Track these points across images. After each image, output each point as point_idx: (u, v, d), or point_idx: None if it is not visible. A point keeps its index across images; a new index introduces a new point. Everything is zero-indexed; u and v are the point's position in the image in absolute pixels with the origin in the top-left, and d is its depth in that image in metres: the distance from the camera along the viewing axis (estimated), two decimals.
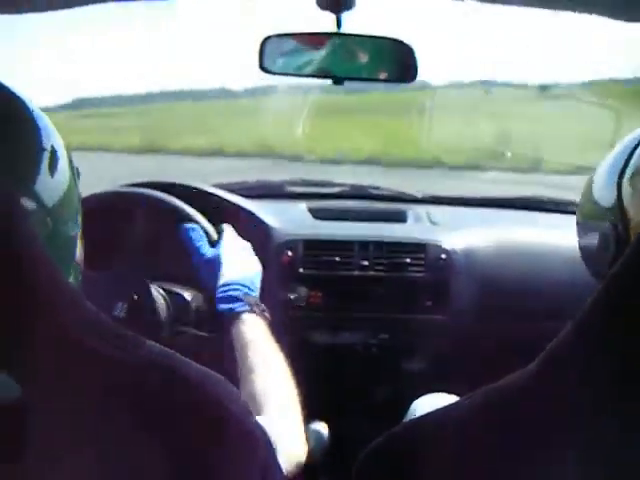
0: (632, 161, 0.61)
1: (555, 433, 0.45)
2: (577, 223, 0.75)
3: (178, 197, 1.42)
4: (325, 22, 1.10)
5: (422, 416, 0.54)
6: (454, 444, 0.49)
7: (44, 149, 0.63)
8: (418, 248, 1.68)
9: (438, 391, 1.31)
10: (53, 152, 0.64)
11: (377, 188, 2.07)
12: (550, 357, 0.48)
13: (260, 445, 0.60)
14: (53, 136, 0.65)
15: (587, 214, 0.70)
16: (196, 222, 1.36)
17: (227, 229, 1.32)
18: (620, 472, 0.43)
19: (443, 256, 1.67)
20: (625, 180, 0.61)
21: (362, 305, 1.67)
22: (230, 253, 1.24)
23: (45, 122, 0.65)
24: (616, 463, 0.44)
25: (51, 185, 0.62)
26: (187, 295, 1.34)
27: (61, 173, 0.64)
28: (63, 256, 0.66)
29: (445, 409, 0.53)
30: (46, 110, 0.67)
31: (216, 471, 0.55)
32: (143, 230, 1.50)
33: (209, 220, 1.39)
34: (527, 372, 0.49)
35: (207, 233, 1.34)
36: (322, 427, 1.58)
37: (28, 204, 0.58)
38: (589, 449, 0.44)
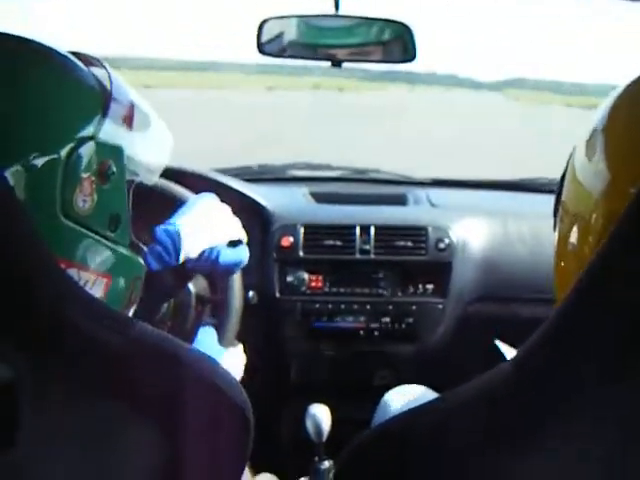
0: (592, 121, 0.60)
1: (536, 428, 0.45)
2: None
3: (177, 182, 1.41)
4: (323, 3, 1.09)
5: (405, 412, 0.54)
6: (433, 446, 0.49)
7: (82, 105, 0.60)
8: (419, 231, 1.68)
9: (439, 375, 1.31)
10: (95, 109, 0.61)
11: (378, 171, 2.06)
12: (529, 349, 0.47)
13: (249, 428, 0.60)
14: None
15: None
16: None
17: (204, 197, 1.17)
18: (608, 469, 0.43)
19: (444, 239, 1.66)
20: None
21: (363, 289, 1.67)
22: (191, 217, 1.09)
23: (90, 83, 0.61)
24: (604, 459, 0.43)
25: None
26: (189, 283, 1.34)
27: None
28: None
29: (420, 409, 0.52)
30: None
31: (208, 450, 0.55)
32: (139, 215, 1.49)
33: None
34: (506, 366, 0.49)
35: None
36: (323, 410, 1.58)
37: (54, 160, 0.56)
38: (573, 442, 0.44)
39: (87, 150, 0.59)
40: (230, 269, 1.14)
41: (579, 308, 0.45)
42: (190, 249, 1.07)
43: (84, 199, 0.60)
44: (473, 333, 1.67)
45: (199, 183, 1.51)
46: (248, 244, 1.62)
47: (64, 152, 0.57)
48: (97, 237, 0.63)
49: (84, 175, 0.60)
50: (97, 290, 0.64)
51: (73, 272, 0.60)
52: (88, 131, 0.60)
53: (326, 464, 1.46)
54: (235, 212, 1.34)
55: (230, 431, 0.57)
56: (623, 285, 0.43)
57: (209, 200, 1.17)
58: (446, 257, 1.66)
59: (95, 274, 0.63)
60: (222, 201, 1.26)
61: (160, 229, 1.05)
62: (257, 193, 1.73)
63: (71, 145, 0.58)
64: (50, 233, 0.57)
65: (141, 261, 0.72)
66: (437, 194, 1.88)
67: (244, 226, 1.26)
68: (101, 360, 0.51)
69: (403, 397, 1.26)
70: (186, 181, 1.41)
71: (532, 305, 1.64)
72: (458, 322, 1.68)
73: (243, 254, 1.15)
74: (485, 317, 1.68)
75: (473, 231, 1.71)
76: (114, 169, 0.63)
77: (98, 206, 0.62)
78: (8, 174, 0.54)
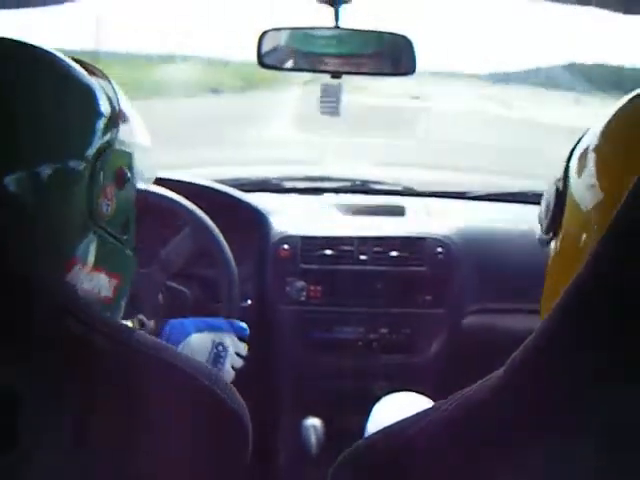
0: (585, 137, 0.61)
1: (527, 437, 0.45)
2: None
3: (178, 192, 1.41)
4: (323, 16, 1.09)
5: (400, 421, 0.54)
6: (433, 451, 0.49)
7: (101, 115, 0.61)
8: (417, 242, 1.68)
9: (436, 386, 1.31)
10: (111, 118, 0.62)
11: (377, 182, 2.07)
12: (521, 357, 0.47)
13: (247, 437, 0.60)
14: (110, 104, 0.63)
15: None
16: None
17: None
18: (598, 472, 0.43)
19: (442, 250, 1.67)
20: (575, 152, 0.62)
21: (362, 300, 1.67)
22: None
23: (99, 91, 0.62)
24: (597, 468, 0.43)
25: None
26: (186, 290, 1.35)
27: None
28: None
29: (411, 419, 0.53)
30: None
31: (206, 456, 0.55)
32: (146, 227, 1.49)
33: (209, 214, 1.39)
34: (496, 376, 0.49)
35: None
36: (319, 422, 1.59)
37: (80, 166, 0.57)
38: (564, 446, 0.44)
39: (108, 156, 0.62)
40: None
41: (569, 316, 0.45)
42: None
43: (107, 204, 0.62)
44: (470, 344, 1.67)
45: (201, 193, 1.52)
46: (247, 254, 1.63)
47: (90, 158, 0.59)
48: (114, 241, 0.65)
49: (107, 181, 0.62)
50: (108, 291, 0.66)
51: (94, 274, 0.62)
52: (106, 139, 0.62)
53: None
54: (234, 222, 1.35)
55: (228, 438, 0.58)
56: (611, 294, 0.43)
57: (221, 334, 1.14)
58: (444, 268, 1.67)
59: (109, 275, 0.65)
60: (221, 212, 1.27)
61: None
62: (256, 204, 1.73)
63: (95, 152, 0.60)
64: (76, 237, 0.60)
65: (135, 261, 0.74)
66: (436, 205, 1.89)
67: (244, 236, 1.26)
68: (100, 368, 0.52)
69: (395, 405, 1.26)
70: (188, 191, 1.42)
71: (529, 316, 1.64)
72: (456, 333, 1.68)
73: None
74: (482, 328, 1.69)
75: (471, 243, 1.72)
76: (129, 175, 0.66)
77: (116, 211, 0.64)
78: (25, 178, 0.54)
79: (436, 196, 2.01)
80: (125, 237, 0.67)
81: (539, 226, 0.71)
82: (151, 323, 1.10)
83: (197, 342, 1.06)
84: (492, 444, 0.46)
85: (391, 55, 1.16)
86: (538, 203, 2.15)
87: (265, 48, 1.16)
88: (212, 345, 1.07)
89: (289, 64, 1.19)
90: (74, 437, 0.49)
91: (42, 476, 0.49)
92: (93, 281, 0.63)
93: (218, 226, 1.38)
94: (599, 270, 0.44)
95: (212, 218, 1.39)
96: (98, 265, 0.63)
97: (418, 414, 0.53)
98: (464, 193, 2.05)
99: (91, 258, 0.62)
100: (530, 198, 2.02)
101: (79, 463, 0.49)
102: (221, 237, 1.37)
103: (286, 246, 1.66)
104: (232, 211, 1.65)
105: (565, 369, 0.44)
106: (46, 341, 0.50)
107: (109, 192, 0.62)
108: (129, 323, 1.08)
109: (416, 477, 0.49)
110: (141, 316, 1.11)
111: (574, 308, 0.45)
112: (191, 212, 1.37)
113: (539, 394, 0.45)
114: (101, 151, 0.60)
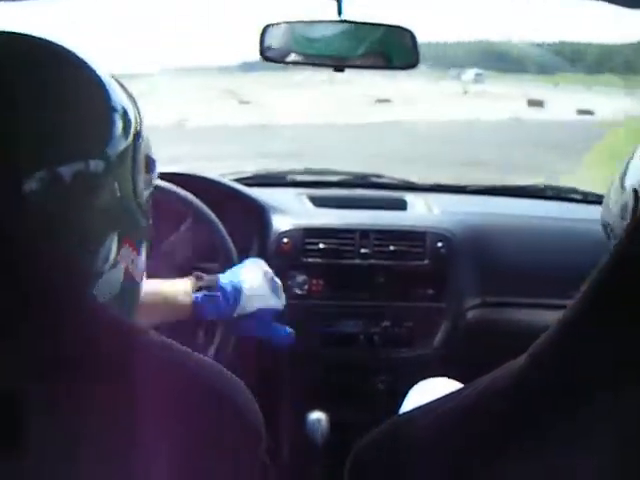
0: None
1: (547, 425, 0.45)
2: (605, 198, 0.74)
3: (180, 185, 1.41)
4: (325, 9, 1.09)
5: (416, 409, 0.54)
6: (447, 440, 0.49)
7: (116, 110, 0.61)
8: (418, 236, 1.68)
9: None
10: (125, 114, 0.62)
11: (378, 176, 2.07)
12: (541, 347, 0.48)
13: (260, 436, 0.59)
14: (124, 101, 0.63)
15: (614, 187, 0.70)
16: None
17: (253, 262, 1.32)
18: (617, 463, 0.43)
19: (443, 244, 1.67)
20: None
21: (363, 293, 1.67)
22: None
23: (115, 88, 0.62)
24: (613, 454, 0.43)
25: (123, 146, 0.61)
26: None
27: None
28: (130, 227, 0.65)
29: (436, 404, 0.53)
30: None
31: (215, 461, 0.55)
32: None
33: (210, 208, 1.39)
34: (517, 365, 0.49)
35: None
36: (323, 416, 1.59)
37: (100, 166, 0.58)
38: (584, 440, 0.44)
39: (140, 142, 0.64)
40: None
41: (591, 308, 0.46)
42: (247, 306, 1.22)
43: (143, 187, 0.65)
44: (472, 337, 1.68)
45: (201, 187, 1.52)
46: (248, 248, 1.63)
47: (130, 142, 0.61)
48: (147, 225, 0.67)
49: (141, 164, 0.64)
50: (142, 271, 0.68)
51: (136, 255, 0.65)
52: (138, 126, 0.64)
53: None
54: (235, 216, 1.35)
55: (239, 436, 0.57)
56: (632, 287, 0.44)
57: (262, 265, 1.31)
58: (445, 262, 1.67)
59: (144, 257, 0.68)
60: (222, 205, 1.27)
61: (226, 282, 1.21)
62: (258, 197, 1.74)
63: (132, 138, 0.62)
64: (126, 216, 0.62)
65: None
66: (437, 199, 1.89)
67: (245, 230, 1.26)
68: (108, 368, 0.52)
69: (429, 391, 1.24)
70: (188, 185, 1.42)
71: (531, 310, 1.64)
72: (457, 327, 1.68)
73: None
74: (484, 321, 1.69)
75: (472, 237, 1.72)
76: (154, 160, 0.68)
77: (148, 196, 0.67)
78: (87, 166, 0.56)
79: (437, 190, 2.01)
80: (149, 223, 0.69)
81: (604, 228, 0.70)
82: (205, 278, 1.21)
83: (251, 277, 1.25)
84: (514, 430, 0.46)
85: (394, 49, 1.16)
86: (539, 197, 2.15)
87: (268, 41, 1.16)
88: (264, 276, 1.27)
89: (291, 58, 1.19)
90: (75, 439, 0.49)
91: (51, 476, 0.49)
92: (134, 261, 0.64)
93: (219, 220, 1.38)
94: (622, 264, 0.45)
95: (213, 211, 1.39)
96: (138, 246, 0.65)
97: (436, 400, 0.53)
98: (465, 187, 2.05)
99: (135, 239, 0.64)
100: (532, 192, 2.02)
101: (87, 463, 0.49)
102: (223, 230, 1.38)
103: (287, 240, 1.66)
104: (233, 205, 1.65)
105: (588, 359, 0.44)
106: (52, 342, 0.50)
107: (144, 176, 0.65)
108: (188, 281, 1.20)
109: (434, 462, 0.49)
110: (198, 273, 1.22)
111: (597, 300, 0.45)
112: (192, 204, 1.37)
113: (561, 383, 0.45)
114: (137, 136, 0.63)
